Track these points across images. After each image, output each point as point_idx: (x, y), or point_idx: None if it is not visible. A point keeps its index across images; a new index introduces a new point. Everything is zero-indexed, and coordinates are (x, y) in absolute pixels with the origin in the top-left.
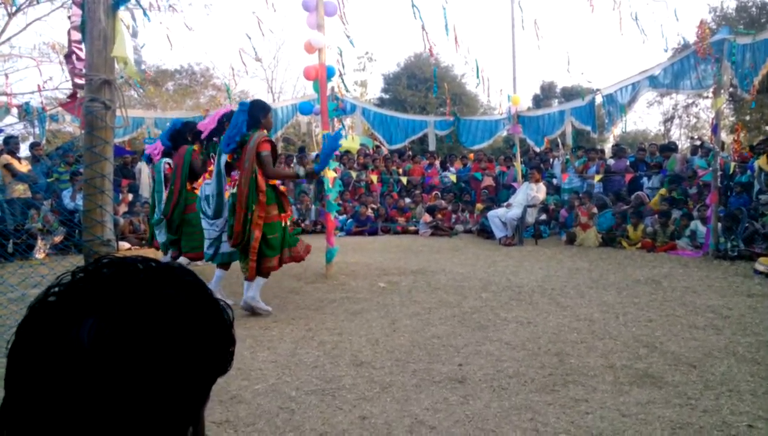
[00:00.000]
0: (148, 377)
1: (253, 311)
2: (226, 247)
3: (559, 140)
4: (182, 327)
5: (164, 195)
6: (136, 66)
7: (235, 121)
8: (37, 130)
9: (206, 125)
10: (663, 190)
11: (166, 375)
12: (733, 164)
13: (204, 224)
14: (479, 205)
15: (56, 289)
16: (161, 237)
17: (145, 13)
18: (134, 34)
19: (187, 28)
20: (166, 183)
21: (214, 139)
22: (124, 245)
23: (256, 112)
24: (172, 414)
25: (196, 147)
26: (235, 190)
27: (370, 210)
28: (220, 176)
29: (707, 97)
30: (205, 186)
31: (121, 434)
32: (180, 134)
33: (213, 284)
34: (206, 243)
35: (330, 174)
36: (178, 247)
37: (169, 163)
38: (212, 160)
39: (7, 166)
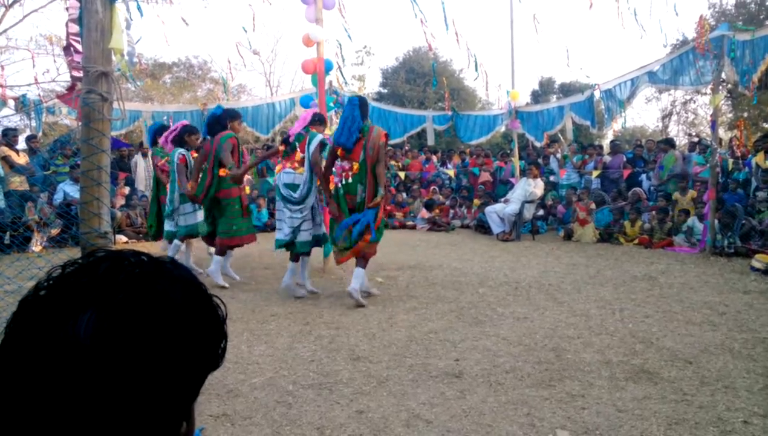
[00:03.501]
0: (145, 372)
1: (363, 296)
2: (305, 235)
3: (559, 135)
4: (179, 322)
5: (177, 184)
6: (128, 57)
7: (351, 115)
8: (33, 123)
9: (296, 128)
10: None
11: (163, 370)
12: (731, 161)
13: (285, 212)
14: (477, 201)
15: (48, 283)
16: (169, 225)
17: (138, 7)
18: (128, 27)
19: (184, 22)
20: (180, 173)
21: (301, 132)
22: (121, 238)
23: (365, 108)
24: (168, 409)
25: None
26: (348, 180)
27: None
28: (312, 166)
29: (705, 93)
30: (283, 175)
31: (117, 431)
32: (219, 121)
33: (287, 277)
34: (285, 230)
35: None
36: (212, 231)
37: (183, 154)
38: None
39: (5, 159)
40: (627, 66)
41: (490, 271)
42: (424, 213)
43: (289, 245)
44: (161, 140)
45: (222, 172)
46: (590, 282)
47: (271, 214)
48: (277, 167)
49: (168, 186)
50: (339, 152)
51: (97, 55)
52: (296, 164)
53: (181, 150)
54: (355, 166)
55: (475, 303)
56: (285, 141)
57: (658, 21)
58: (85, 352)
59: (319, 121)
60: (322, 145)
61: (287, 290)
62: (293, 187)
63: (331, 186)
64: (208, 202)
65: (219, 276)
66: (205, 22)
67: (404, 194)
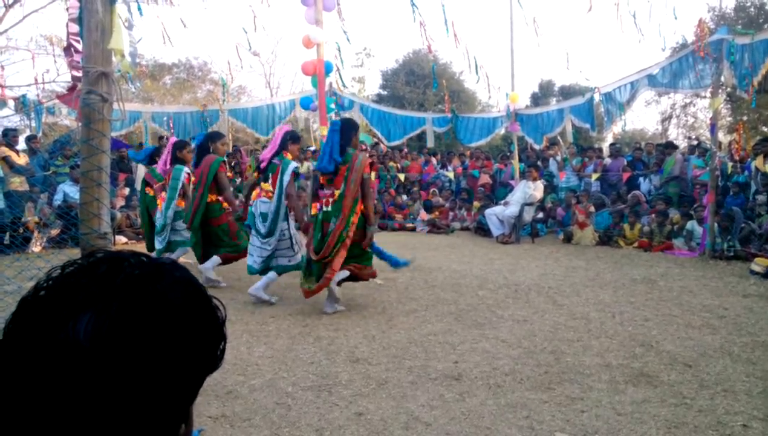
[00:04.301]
0: (144, 374)
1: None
2: (282, 261)
3: (559, 138)
4: (178, 323)
5: (176, 202)
6: (131, 58)
7: (330, 140)
8: (33, 123)
9: (268, 152)
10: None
11: (162, 372)
12: (730, 164)
13: (255, 240)
14: (477, 203)
15: (48, 283)
16: (159, 244)
17: (139, 7)
18: (130, 27)
19: (183, 24)
20: (184, 192)
21: (274, 161)
22: (121, 239)
23: (348, 133)
24: (166, 411)
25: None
26: (327, 208)
27: None
28: (281, 197)
29: (705, 97)
30: (259, 203)
31: (115, 433)
32: (202, 147)
33: (261, 284)
34: (256, 260)
35: None
36: (202, 253)
37: (188, 173)
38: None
39: (5, 159)
40: (627, 69)
41: (489, 273)
42: (424, 215)
43: (265, 271)
44: (159, 166)
45: (212, 198)
46: (589, 285)
47: None
48: (254, 193)
49: (163, 202)
50: (321, 179)
51: (97, 56)
52: (271, 194)
53: (186, 168)
54: (336, 193)
55: (474, 306)
56: (258, 168)
57: (658, 25)
58: (84, 353)
59: (292, 139)
60: (296, 174)
61: (257, 295)
62: (266, 218)
63: (314, 211)
64: (200, 229)
65: (211, 272)
66: (205, 23)
67: (404, 196)
